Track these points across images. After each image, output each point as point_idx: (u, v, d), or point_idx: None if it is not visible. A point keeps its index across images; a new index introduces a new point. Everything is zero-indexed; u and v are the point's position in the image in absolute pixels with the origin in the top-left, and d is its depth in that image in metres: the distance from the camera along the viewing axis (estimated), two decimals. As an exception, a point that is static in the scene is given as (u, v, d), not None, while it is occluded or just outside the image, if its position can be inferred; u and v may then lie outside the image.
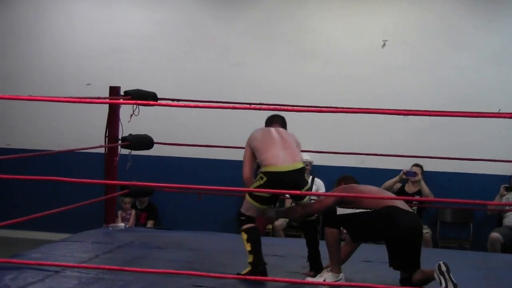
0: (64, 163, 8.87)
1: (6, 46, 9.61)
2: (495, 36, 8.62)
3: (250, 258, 4.73)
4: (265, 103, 6.45)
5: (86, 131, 8.81)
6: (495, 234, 7.75)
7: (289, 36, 9.01)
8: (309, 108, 5.77)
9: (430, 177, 8.41)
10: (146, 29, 9.31)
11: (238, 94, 8.12)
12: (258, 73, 8.96)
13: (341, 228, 4.69)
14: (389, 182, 8.21)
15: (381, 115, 7.76)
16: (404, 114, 3.95)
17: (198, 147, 7.73)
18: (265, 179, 4.74)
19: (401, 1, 8.90)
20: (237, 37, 9.13)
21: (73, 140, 8.60)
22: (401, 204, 4.66)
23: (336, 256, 4.66)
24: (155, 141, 6.81)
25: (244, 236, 4.80)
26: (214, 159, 8.75)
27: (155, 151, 7.07)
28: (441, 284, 4.26)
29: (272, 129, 5.03)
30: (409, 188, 8.29)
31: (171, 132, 8.39)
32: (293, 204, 5.14)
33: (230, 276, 4.55)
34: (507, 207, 7.64)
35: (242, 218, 4.86)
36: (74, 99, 4.28)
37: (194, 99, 6.66)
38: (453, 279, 4.25)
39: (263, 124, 5.23)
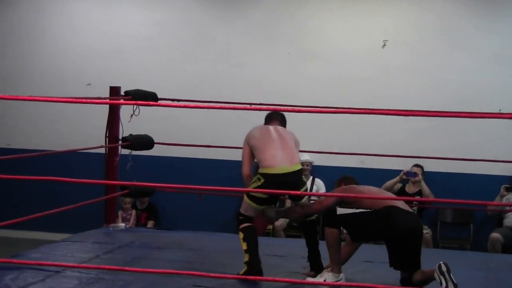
0: (64, 163, 8.87)
1: (6, 46, 9.61)
2: (495, 36, 8.63)
3: (246, 258, 4.73)
4: (265, 103, 6.46)
5: (86, 131, 8.81)
6: (495, 235, 7.75)
7: (289, 37, 9.02)
8: (309, 109, 5.77)
9: (431, 177, 8.41)
10: (146, 29, 9.31)
11: (238, 94, 8.12)
12: (258, 73, 8.96)
13: (341, 228, 4.69)
14: (390, 183, 8.21)
15: (382, 115, 7.76)
16: (404, 115, 3.95)
17: (198, 147, 7.74)
18: (262, 180, 4.75)
19: (401, 2, 8.90)
20: (237, 37, 9.13)
21: (74, 140, 8.60)
22: (401, 204, 4.66)
23: (336, 256, 4.66)
24: (155, 141, 6.81)
25: (241, 235, 4.82)
26: (215, 159, 8.75)
27: (155, 151, 7.07)
28: (441, 284, 4.26)
29: (271, 128, 5.02)
30: (410, 188, 8.29)
31: (172, 132, 8.39)
32: (292, 205, 5.14)
33: (230, 276, 4.56)
34: (508, 208, 7.65)
35: (241, 217, 4.87)
36: (74, 100, 4.28)
37: (195, 99, 6.67)
38: (453, 279, 4.25)
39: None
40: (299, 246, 5.27)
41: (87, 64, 9.32)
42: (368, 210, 4.57)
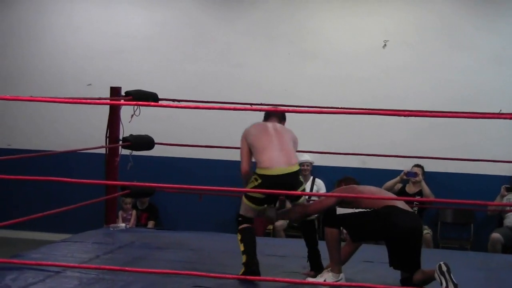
0: (64, 163, 8.87)
1: (6, 46, 9.62)
2: (495, 36, 8.63)
3: (244, 259, 4.73)
4: (265, 103, 6.46)
5: (87, 132, 8.82)
6: (495, 235, 7.75)
7: (289, 37, 9.02)
8: (310, 109, 5.78)
9: (431, 177, 8.41)
10: (146, 30, 9.32)
11: (238, 94, 8.12)
12: (258, 74, 8.96)
13: (341, 228, 4.70)
14: (390, 183, 8.22)
15: (382, 115, 7.76)
16: (404, 115, 3.95)
17: (198, 148, 7.74)
18: (259, 181, 4.75)
19: (401, 2, 8.90)
20: (237, 38, 9.14)
21: (74, 141, 8.60)
22: (401, 204, 4.66)
23: (336, 256, 4.66)
24: (155, 141, 6.81)
25: (239, 236, 4.82)
26: (215, 160, 8.75)
27: (155, 151, 7.07)
28: (441, 284, 4.27)
29: (269, 126, 4.99)
30: (410, 188, 8.29)
31: (172, 132, 8.39)
32: (291, 205, 5.14)
33: (230, 276, 4.56)
34: (508, 208, 7.65)
35: (240, 219, 4.87)
36: (75, 100, 4.27)
37: (195, 99, 6.68)
38: (453, 279, 4.25)
39: (263, 124, 5.22)
40: (299, 246, 5.27)
41: (87, 64, 9.33)
42: (368, 210, 4.57)
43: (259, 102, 6.44)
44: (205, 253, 5.61)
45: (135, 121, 6.22)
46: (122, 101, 6.20)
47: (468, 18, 8.70)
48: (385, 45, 8.77)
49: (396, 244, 4.57)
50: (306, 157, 8.56)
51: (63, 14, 9.49)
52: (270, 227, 8.15)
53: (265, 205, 4.92)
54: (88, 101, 5.35)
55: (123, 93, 6.35)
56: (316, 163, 8.67)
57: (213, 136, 8.62)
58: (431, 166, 8.28)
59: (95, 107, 8.24)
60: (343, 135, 8.68)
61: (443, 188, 8.28)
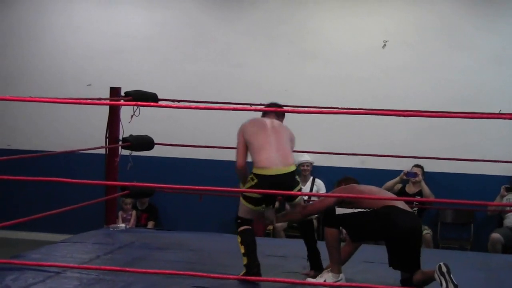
0: (64, 164, 8.87)
1: (6, 47, 9.62)
2: (495, 36, 8.63)
3: (245, 260, 4.73)
4: (265, 103, 6.44)
5: (86, 132, 8.82)
6: (495, 235, 7.75)
7: (289, 37, 9.02)
8: (310, 109, 5.78)
9: (431, 177, 8.41)
10: (146, 30, 9.32)
11: (238, 95, 8.11)
12: (258, 74, 8.96)
13: (341, 228, 4.70)
14: (390, 183, 8.22)
15: (382, 116, 7.76)
16: (404, 115, 3.95)
17: (198, 148, 7.74)
18: (256, 180, 4.76)
19: (401, 2, 8.90)
20: (237, 38, 9.14)
21: (74, 141, 8.59)
22: (400, 204, 4.66)
23: (336, 256, 4.66)
24: (155, 141, 6.81)
25: (239, 238, 4.81)
26: (215, 160, 8.74)
27: (155, 152, 7.07)
28: (441, 285, 4.27)
29: (268, 123, 4.95)
30: (410, 188, 8.29)
31: (172, 132, 8.38)
32: (289, 206, 5.14)
33: (230, 276, 4.56)
34: (508, 208, 7.65)
35: (239, 221, 4.87)
36: (75, 100, 4.28)
37: (195, 99, 6.68)
38: (453, 279, 4.25)
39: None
40: (299, 246, 5.26)
41: (87, 64, 9.33)
42: (367, 210, 4.57)
43: (259, 102, 6.43)
44: (205, 253, 5.61)
45: (135, 121, 6.22)
46: (122, 101, 6.21)
47: (468, 18, 8.71)
48: (384, 45, 8.77)
49: (396, 244, 4.58)
50: (306, 157, 8.56)
51: (63, 14, 9.49)
52: (270, 227, 8.15)
53: (263, 206, 4.90)
54: (88, 101, 5.35)
55: (123, 94, 6.34)
56: (316, 163, 8.67)
57: (213, 137, 8.62)
58: (431, 166, 8.28)
59: (95, 107, 8.24)
60: (343, 135, 8.68)
61: (443, 188, 8.29)
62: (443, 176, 8.47)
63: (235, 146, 5.04)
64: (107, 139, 6.39)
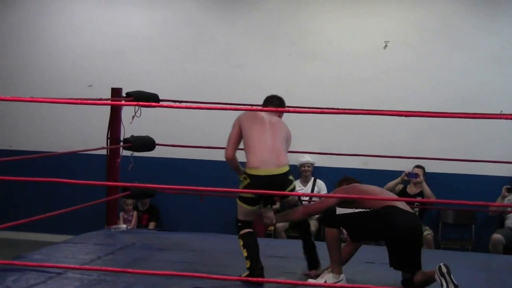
0: (65, 164, 8.87)
1: (7, 47, 9.62)
2: (495, 36, 8.63)
3: (248, 264, 4.72)
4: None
5: (87, 133, 8.82)
6: (497, 236, 7.75)
7: (290, 37, 9.02)
8: (311, 110, 5.78)
9: (432, 178, 8.40)
10: (147, 30, 9.32)
11: (239, 95, 8.10)
12: (259, 74, 8.96)
13: (341, 228, 4.70)
14: (391, 184, 8.21)
15: (383, 116, 7.76)
16: (405, 115, 3.95)
17: (200, 149, 7.73)
18: (248, 180, 4.76)
19: (402, 2, 8.90)
20: (238, 38, 9.14)
21: (75, 142, 8.60)
22: (401, 204, 4.66)
23: (337, 256, 4.66)
24: (156, 142, 6.81)
25: (241, 242, 4.81)
26: (216, 161, 8.66)
27: (157, 152, 7.06)
28: (442, 285, 4.26)
29: (266, 118, 4.92)
30: (411, 189, 8.29)
31: (173, 133, 8.38)
32: (278, 203, 5.16)
33: (231, 277, 4.55)
34: (509, 209, 7.65)
35: (239, 224, 4.86)
36: (76, 101, 4.28)
37: (195, 99, 6.68)
38: (454, 280, 4.25)
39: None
40: (300, 247, 5.26)
41: (87, 65, 9.33)
42: (368, 210, 4.57)
43: (260, 103, 6.43)
44: (206, 254, 5.61)
45: (136, 122, 6.22)
46: (123, 102, 6.21)
47: (468, 18, 8.71)
48: (386, 45, 8.77)
49: (396, 244, 4.57)
50: (307, 158, 8.56)
51: (63, 14, 9.49)
52: (271, 228, 8.15)
53: (259, 206, 4.89)
54: (89, 101, 5.35)
55: (124, 94, 6.35)
56: (317, 164, 8.67)
57: (214, 137, 8.59)
58: (432, 167, 8.28)
59: (96, 108, 8.25)
60: (344, 135, 8.68)
61: (444, 189, 8.28)
62: (444, 176, 8.47)
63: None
64: (108, 140, 6.39)
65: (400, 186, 8.30)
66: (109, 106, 6.47)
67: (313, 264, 4.99)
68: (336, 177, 5.40)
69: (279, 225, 8.03)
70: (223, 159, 5.05)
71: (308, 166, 8.60)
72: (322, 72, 8.88)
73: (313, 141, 8.59)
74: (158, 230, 7.52)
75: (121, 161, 6.44)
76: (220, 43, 9.16)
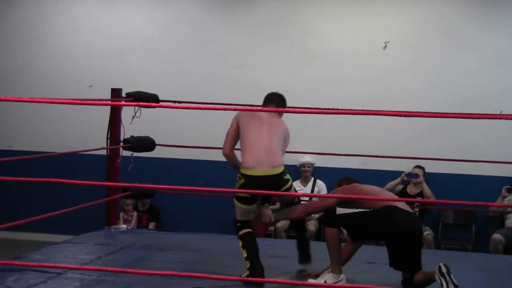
0: (66, 165, 8.87)
1: (7, 47, 9.62)
2: (496, 37, 8.63)
3: (248, 264, 4.72)
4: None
5: (88, 133, 8.82)
6: (497, 236, 7.75)
7: (290, 37, 9.02)
8: (311, 110, 5.78)
9: (432, 178, 8.40)
10: (147, 31, 9.32)
11: (239, 95, 8.09)
12: (259, 74, 8.95)
13: (341, 228, 4.70)
14: (391, 184, 8.21)
15: (383, 116, 7.76)
16: (405, 116, 3.95)
17: (200, 149, 7.73)
18: (243, 180, 4.78)
19: (402, 2, 8.90)
20: (238, 38, 9.14)
21: (75, 142, 8.60)
22: (401, 204, 4.66)
23: (337, 256, 4.67)
24: (156, 142, 6.81)
25: (240, 242, 4.81)
26: (216, 161, 8.64)
27: (156, 153, 7.06)
28: (442, 285, 4.26)
29: (264, 118, 4.91)
30: (411, 189, 8.29)
31: (173, 133, 8.39)
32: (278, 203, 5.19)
33: (231, 277, 4.55)
34: (509, 209, 7.65)
35: (238, 224, 4.86)
36: (76, 101, 4.28)
37: (195, 100, 6.68)
38: (454, 280, 4.25)
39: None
40: (300, 247, 5.28)
41: (87, 65, 9.33)
42: (368, 210, 4.57)
43: (260, 103, 6.43)
44: (206, 254, 5.61)
45: (136, 122, 6.22)
46: (123, 102, 6.21)
47: (468, 18, 8.71)
48: (386, 46, 8.77)
49: (396, 244, 4.58)
50: (307, 158, 8.56)
51: (63, 14, 9.50)
52: (272, 228, 8.15)
53: (256, 204, 4.89)
54: (89, 102, 5.36)
55: (124, 95, 6.35)
56: (317, 164, 8.67)
57: (214, 137, 8.58)
58: (432, 167, 8.28)
59: (96, 108, 8.25)
60: (344, 135, 8.68)
61: (444, 189, 8.28)
62: (444, 177, 8.47)
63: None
64: (108, 140, 6.39)
65: (400, 187, 8.30)
66: (109, 107, 6.47)
67: (305, 258, 5.01)
68: (336, 177, 5.41)
69: (279, 225, 8.04)
70: (223, 159, 5.06)
71: (308, 167, 8.61)
72: (322, 72, 8.89)
73: (313, 141, 8.59)
74: (158, 230, 7.52)
75: (121, 162, 6.44)
76: (220, 43, 9.16)
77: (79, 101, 4.62)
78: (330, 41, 8.95)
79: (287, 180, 4.85)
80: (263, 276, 4.65)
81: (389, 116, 4.10)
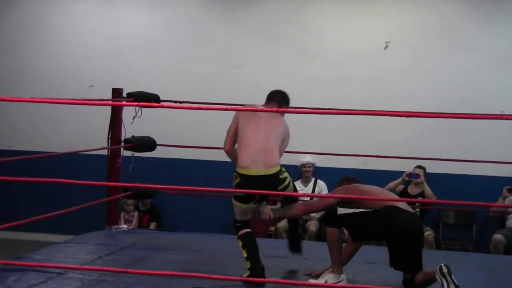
0: (66, 165, 8.87)
1: (8, 47, 9.62)
2: (496, 37, 8.63)
3: (248, 264, 4.72)
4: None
5: (88, 133, 8.82)
6: (498, 236, 7.75)
7: (290, 37, 9.02)
8: (311, 110, 5.78)
9: (433, 178, 8.40)
10: (148, 31, 9.32)
11: (239, 95, 8.09)
12: (260, 75, 8.95)
13: (342, 228, 4.70)
14: (392, 184, 8.20)
15: (383, 116, 7.75)
16: (406, 116, 3.95)
17: (200, 149, 7.73)
18: (238, 179, 4.79)
19: (403, 3, 8.90)
20: (238, 38, 9.14)
21: (76, 142, 8.60)
22: (402, 204, 4.66)
23: (337, 256, 4.67)
24: (157, 142, 6.81)
25: (240, 243, 4.81)
26: (217, 161, 8.68)
27: (157, 153, 7.07)
28: (442, 285, 4.27)
29: (263, 117, 4.90)
30: (412, 189, 8.28)
31: (174, 133, 8.39)
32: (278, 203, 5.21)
33: (232, 277, 4.55)
34: (510, 209, 7.64)
35: (238, 224, 4.86)
36: (77, 101, 4.28)
37: (196, 100, 6.68)
38: (454, 280, 4.25)
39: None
40: (300, 247, 5.27)
41: (89, 66, 9.32)
42: (369, 210, 4.57)
43: (260, 103, 6.43)
44: (206, 254, 5.62)
45: (137, 122, 6.22)
46: (124, 102, 6.21)
47: (469, 19, 8.71)
48: (386, 46, 8.77)
49: (397, 244, 4.58)
50: (308, 159, 8.56)
51: (63, 14, 9.49)
52: (272, 228, 8.15)
53: (254, 203, 4.89)
54: (90, 102, 5.36)
55: (125, 95, 6.35)
56: (318, 164, 8.67)
57: (215, 137, 8.58)
58: (433, 167, 8.27)
59: (97, 109, 8.25)
60: (344, 135, 8.68)
61: (445, 189, 8.27)
62: (445, 177, 8.47)
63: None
64: (109, 140, 6.40)
65: (401, 187, 8.30)
66: (110, 107, 6.47)
67: (295, 246, 5.10)
68: (337, 178, 5.41)
69: (280, 225, 8.04)
70: (224, 159, 5.07)
71: (309, 167, 8.61)
72: (322, 72, 8.88)
73: (313, 141, 8.59)
74: (158, 230, 7.52)
75: (122, 162, 6.44)
76: (220, 43, 9.16)
77: (79, 101, 4.62)
78: (330, 41, 8.95)
79: (284, 179, 4.85)
80: (263, 276, 4.66)
81: (389, 116, 4.09)
